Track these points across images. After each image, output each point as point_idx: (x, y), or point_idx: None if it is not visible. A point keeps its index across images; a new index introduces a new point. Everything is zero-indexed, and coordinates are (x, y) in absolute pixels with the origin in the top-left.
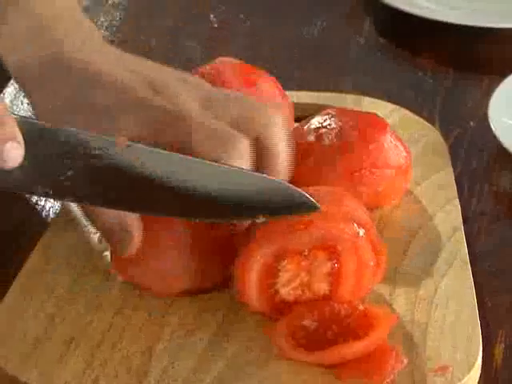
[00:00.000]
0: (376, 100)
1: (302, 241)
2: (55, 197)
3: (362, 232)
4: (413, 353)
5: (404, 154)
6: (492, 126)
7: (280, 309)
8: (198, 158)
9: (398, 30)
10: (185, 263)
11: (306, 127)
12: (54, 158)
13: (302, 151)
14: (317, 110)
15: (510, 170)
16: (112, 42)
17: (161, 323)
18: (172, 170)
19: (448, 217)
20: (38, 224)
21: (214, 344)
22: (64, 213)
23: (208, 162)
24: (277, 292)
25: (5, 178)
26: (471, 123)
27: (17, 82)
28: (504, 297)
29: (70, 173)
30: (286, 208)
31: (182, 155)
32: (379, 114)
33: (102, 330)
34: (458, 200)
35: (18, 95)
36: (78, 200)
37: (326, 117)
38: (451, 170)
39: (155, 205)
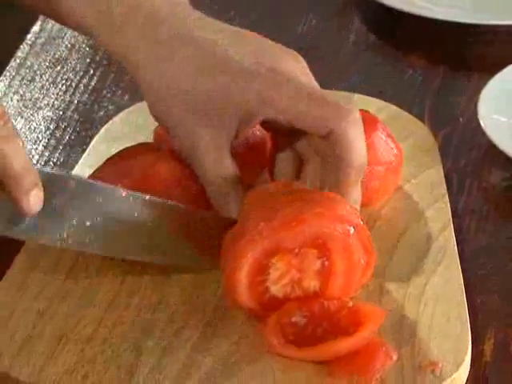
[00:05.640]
0: (366, 97)
1: (293, 238)
2: (59, 243)
3: (352, 230)
4: (402, 349)
5: (395, 151)
6: (482, 123)
7: (270, 306)
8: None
9: (387, 27)
10: None
11: None
12: (62, 205)
13: None
14: None
15: (499, 166)
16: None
17: (150, 320)
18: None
19: (437, 214)
20: None
21: (204, 341)
22: None
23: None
24: (267, 289)
25: (18, 226)
26: (461, 120)
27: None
28: (493, 294)
29: (74, 220)
30: None
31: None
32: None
33: (93, 326)
34: (447, 197)
35: (7, 91)
36: (81, 248)
37: None
38: (441, 167)
39: (149, 251)
